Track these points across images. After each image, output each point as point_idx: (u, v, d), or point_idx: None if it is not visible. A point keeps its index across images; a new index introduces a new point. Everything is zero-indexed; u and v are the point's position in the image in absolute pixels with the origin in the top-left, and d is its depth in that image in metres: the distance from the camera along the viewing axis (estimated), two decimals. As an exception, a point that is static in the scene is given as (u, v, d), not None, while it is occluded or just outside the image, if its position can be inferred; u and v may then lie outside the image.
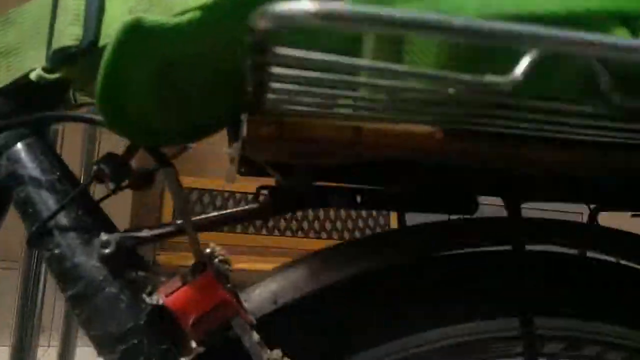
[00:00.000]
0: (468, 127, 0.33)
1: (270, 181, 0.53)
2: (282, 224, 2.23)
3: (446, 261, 0.49)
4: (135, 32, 0.28)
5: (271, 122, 0.34)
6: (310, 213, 2.26)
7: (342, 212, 2.30)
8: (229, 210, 0.47)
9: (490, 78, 0.20)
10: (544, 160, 0.36)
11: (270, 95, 0.30)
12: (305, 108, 0.33)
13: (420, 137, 0.35)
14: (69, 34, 0.34)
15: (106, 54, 0.29)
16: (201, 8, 0.28)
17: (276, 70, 0.27)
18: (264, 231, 2.20)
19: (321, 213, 2.28)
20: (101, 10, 0.33)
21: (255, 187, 0.49)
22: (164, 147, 0.38)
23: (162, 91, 0.33)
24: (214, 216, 0.47)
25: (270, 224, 2.23)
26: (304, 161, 0.40)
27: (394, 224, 2.28)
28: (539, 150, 0.35)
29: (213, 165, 2.19)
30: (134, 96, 0.32)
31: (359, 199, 0.44)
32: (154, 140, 0.36)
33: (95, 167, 0.40)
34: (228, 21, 0.29)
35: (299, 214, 2.23)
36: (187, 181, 2.18)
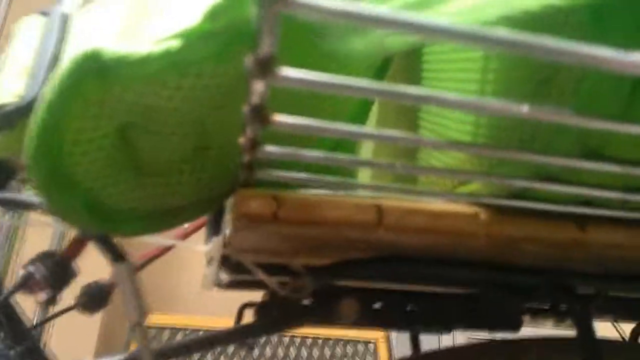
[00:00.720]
0: (526, 201, 0.25)
1: (257, 297, 0.43)
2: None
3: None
4: (90, 66, 0.21)
5: (265, 196, 0.25)
6: (293, 353, 2.04)
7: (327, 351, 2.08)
8: (202, 334, 0.36)
9: (634, 57, 0.13)
10: (618, 244, 0.28)
11: (268, 152, 0.22)
12: (311, 177, 0.25)
13: (459, 217, 0.27)
14: (10, 89, 0.27)
15: (48, 95, 0.21)
16: (183, 35, 0.21)
17: (279, 117, 0.20)
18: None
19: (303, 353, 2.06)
20: (55, 60, 0.27)
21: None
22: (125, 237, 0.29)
23: (123, 154, 0.25)
24: (183, 341, 0.36)
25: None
26: (305, 257, 0.31)
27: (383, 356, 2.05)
28: (611, 232, 0.27)
29: (190, 299, 2.02)
30: (84, 160, 0.24)
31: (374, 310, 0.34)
32: (108, 226, 0.27)
33: (24, 271, 0.30)
34: (217, 52, 0.22)
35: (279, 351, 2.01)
36: (157, 319, 1.96)
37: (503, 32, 0.13)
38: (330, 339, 2.08)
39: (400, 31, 0.15)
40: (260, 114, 0.18)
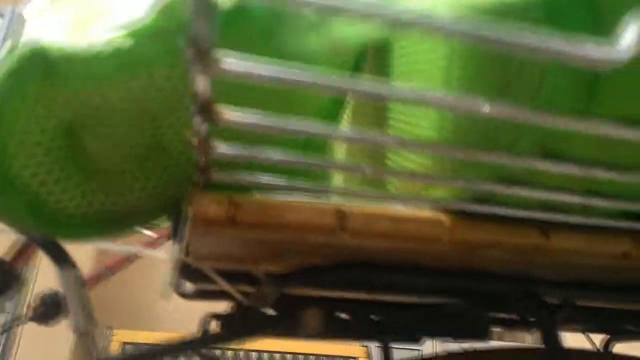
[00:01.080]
0: (490, 204, 0.25)
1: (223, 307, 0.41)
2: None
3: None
4: (37, 64, 0.20)
5: (222, 200, 0.25)
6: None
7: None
8: (163, 342, 0.35)
9: (588, 49, 0.13)
10: (579, 250, 0.27)
11: (221, 152, 0.21)
12: (273, 179, 0.24)
13: (422, 222, 0.27)
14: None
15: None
16: (134, 34, 0.21)
17: (228, 115, 0.19)
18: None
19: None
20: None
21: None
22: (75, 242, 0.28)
23: (72, 159, 0.24)
24: (140, 350, 0.34)
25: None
26: (266, 263, 0.30)
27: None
28: (573, 238, 0.27)
29: (170, 316, 1.97)
30: (30, 162, 0.23)
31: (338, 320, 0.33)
32: (56, 231, 0.26)
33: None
34: (170, 52, 0.21)
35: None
36: (136, 336, 1.90)
37: (458, 22, 0.12)
38: (310, 355, 2.05)
39: (353, 20, 0.14)
40: (206, 109, 0.17)
